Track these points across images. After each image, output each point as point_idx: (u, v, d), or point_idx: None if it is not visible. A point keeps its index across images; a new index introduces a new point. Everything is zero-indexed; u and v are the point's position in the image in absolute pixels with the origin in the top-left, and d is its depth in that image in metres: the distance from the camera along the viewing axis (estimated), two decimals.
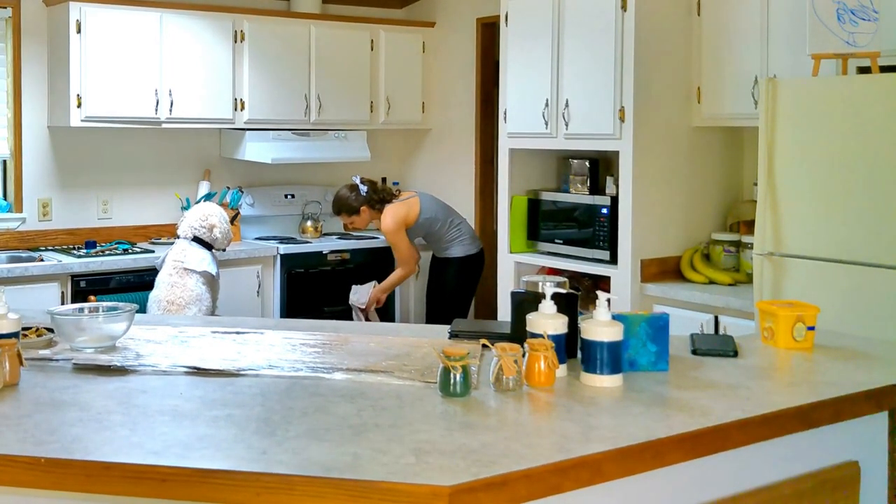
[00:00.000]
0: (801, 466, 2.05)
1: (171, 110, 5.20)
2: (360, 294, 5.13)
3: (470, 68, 6.01)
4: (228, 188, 5.66)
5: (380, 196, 5.05)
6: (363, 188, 5.03)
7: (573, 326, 2.21)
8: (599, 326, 2.09)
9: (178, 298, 4.26)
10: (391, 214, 5.00)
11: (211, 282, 4.43)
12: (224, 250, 4.70)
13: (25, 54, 5.12)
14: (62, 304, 4.55)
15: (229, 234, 4.63)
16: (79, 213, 5.34)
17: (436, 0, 6.24)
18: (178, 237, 4.53)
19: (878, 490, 2.21)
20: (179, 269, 4.32)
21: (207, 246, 4.48)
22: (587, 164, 4.58)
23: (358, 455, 1.63)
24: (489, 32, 5.85)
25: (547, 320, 2.11)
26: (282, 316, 5.36)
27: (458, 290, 5.08)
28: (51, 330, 2.49)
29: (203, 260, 4.38)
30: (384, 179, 6.32)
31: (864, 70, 3.52)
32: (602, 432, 1.78)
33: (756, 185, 3.63)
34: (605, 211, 4.34)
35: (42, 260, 4.78)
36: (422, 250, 5.25)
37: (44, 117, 5.19)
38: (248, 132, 5.55)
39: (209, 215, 4.51)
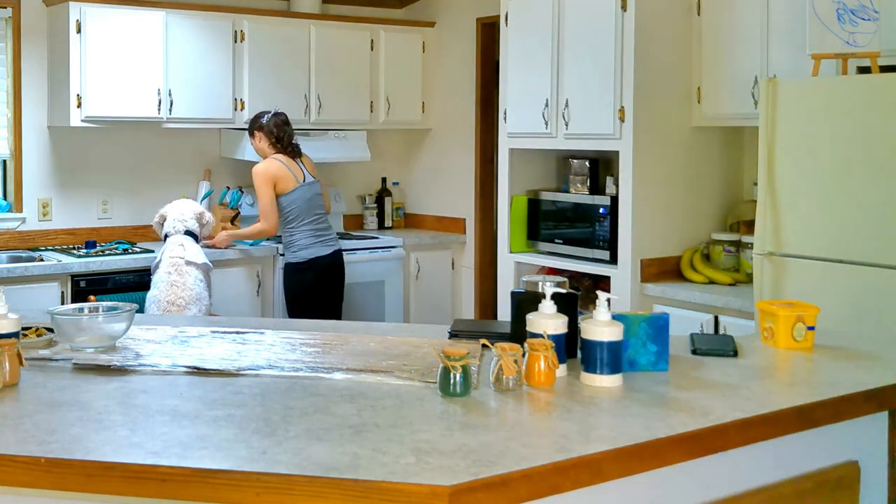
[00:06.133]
0: (801, 466, 2.05)
1: (170, 110, 5.20)
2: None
3: (470, 68, 6.01)
4: (228, 188, 5.65)
5: (282, 141, 4.81)
6: (268, 118, 4.80)
7: (573, 326, 2.21)
8: (599, 326, 2.09)
9: (178, 299, 4.25)
10: (266, 166, 4.74)
11: (208, 276, 4.43)
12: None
13: (25, 54, 5.12)
14: (62, 303, 4.55)
15: (213, 218, 4.79)
16: (79, 213, 5.34)
17: (436, 0, 6.23)
18: (167, 235, 4.52)
19: (878, 490, 2.21)
20: (179, 265, 4.32)
21: (195, 238, 4.51)
22: (587, 163, 4.58)
23: (358, 455, 1.63)
24: (489, 32, 5.85)
25: (547, 320, 2.11)
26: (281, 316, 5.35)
27: (314, 292, 4.82)
28: (51, 330, 2.50)
29: (200, 252, 4.41)
30: (384, 179, 6.33)
31: (864, 70, 3.52)
32: (602, 432, 1.78)
33: (756, 185, 3.63)
34: (604, 211, 4.34)
35: (42, 260, 4.77)
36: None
37: (44, 117, 5.19)
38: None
39: (191, 205, 4.56)
